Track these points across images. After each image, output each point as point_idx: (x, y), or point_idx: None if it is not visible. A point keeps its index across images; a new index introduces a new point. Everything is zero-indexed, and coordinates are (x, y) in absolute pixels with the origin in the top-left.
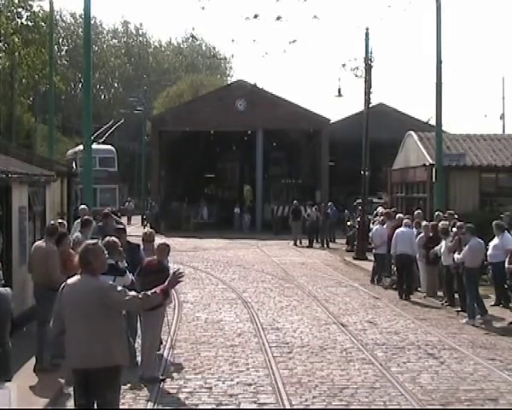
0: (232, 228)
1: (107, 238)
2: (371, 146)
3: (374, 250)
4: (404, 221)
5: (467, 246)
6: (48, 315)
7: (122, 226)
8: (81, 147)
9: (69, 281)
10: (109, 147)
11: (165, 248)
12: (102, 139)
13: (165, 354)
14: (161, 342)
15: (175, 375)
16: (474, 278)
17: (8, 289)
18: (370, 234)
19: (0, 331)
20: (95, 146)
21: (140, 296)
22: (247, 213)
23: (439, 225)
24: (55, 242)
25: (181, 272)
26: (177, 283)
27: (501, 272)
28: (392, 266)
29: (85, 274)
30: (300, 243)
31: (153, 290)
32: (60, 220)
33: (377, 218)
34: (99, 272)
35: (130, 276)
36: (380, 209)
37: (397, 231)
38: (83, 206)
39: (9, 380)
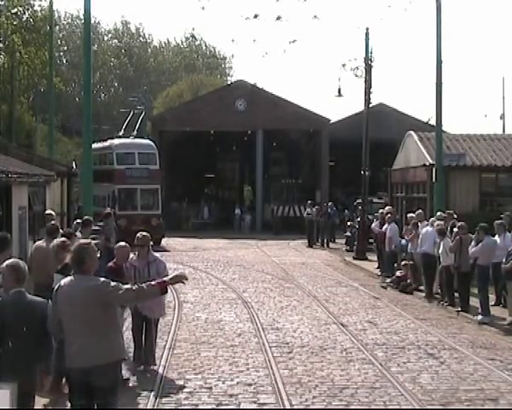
0: (232, 228)
1: (59, 239)
2: (371, 146)
3: (390, 248)
4: (431, 220)
5: (480, 244)
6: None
7: (97, 227)
8: (117, 140)
9: (63, 282)
10: (149, 141)
11: (124, 251)
12: (135, 133)
13: (164, 354)
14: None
15: (175, 375)
16: (488, 275)
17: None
18: (387, 233)
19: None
20: (131, 141)
21: (134, 288)
22: (247, 213)
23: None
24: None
25: (184, 275)
26: (178, 282)
27: (501, 272)
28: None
29: (78, 274)
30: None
31: (148, 283)
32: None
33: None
34: (91, 271)
35: None
36: (387, 208)
37: (423, 230)
38: (49, 211)
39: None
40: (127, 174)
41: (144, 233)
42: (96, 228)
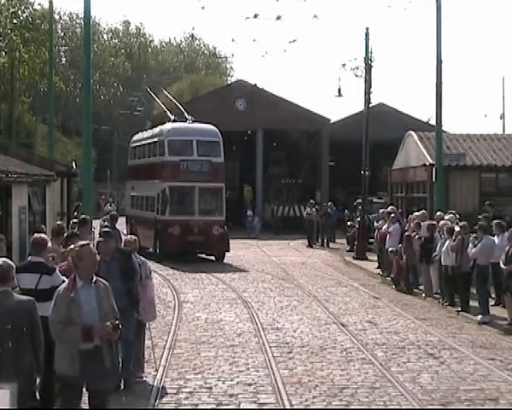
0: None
1: (35, 235)
2: (371, 146)
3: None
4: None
5: (479, 244)
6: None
7: (108, 230)
8: (170, 125)
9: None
10: (211, 127)
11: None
12: (189, 117)
13: (164, 354)
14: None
15: (175, 375)
16: (487, 275)
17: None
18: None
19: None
20: (188, 125)
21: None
22: (257, 215)
23: (440, 224)
24: (64, 241)
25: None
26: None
27: (501, 272)
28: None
29: None
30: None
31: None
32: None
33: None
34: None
35: (60, 276)
36: (390, 208)
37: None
38: None
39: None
40: (182, 168)
41: (134, 237)
42: (106, 230)
